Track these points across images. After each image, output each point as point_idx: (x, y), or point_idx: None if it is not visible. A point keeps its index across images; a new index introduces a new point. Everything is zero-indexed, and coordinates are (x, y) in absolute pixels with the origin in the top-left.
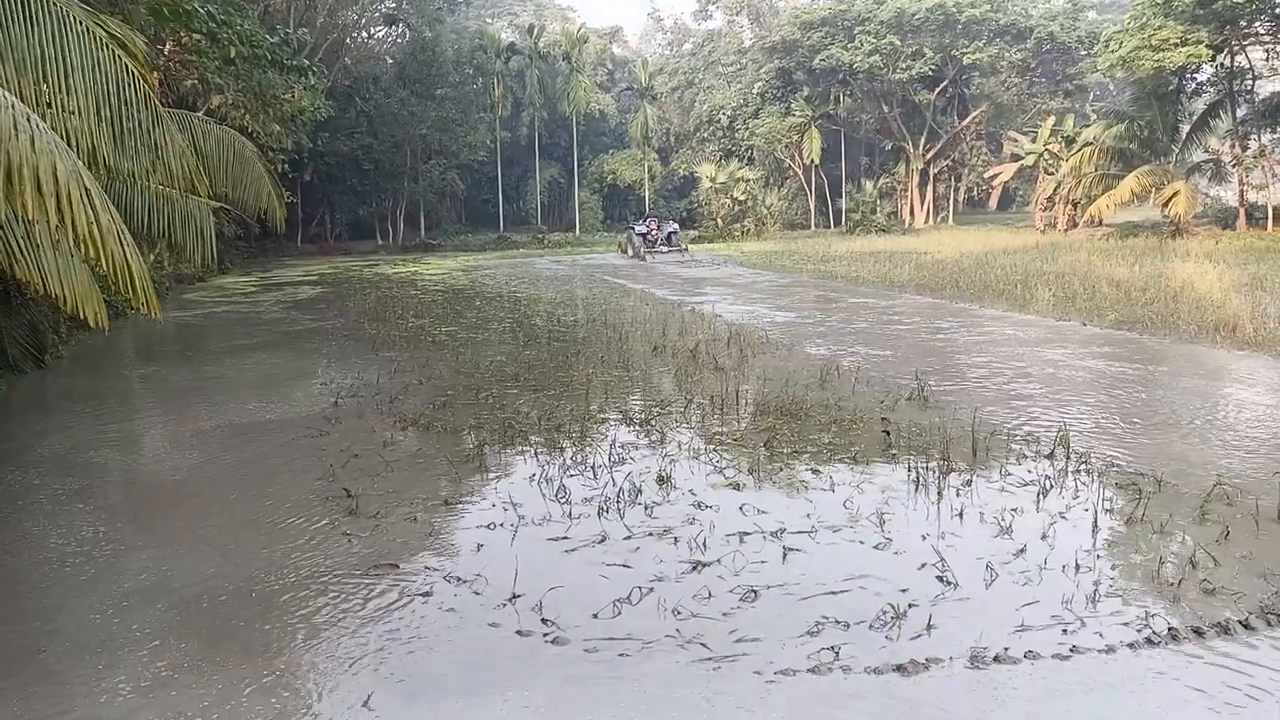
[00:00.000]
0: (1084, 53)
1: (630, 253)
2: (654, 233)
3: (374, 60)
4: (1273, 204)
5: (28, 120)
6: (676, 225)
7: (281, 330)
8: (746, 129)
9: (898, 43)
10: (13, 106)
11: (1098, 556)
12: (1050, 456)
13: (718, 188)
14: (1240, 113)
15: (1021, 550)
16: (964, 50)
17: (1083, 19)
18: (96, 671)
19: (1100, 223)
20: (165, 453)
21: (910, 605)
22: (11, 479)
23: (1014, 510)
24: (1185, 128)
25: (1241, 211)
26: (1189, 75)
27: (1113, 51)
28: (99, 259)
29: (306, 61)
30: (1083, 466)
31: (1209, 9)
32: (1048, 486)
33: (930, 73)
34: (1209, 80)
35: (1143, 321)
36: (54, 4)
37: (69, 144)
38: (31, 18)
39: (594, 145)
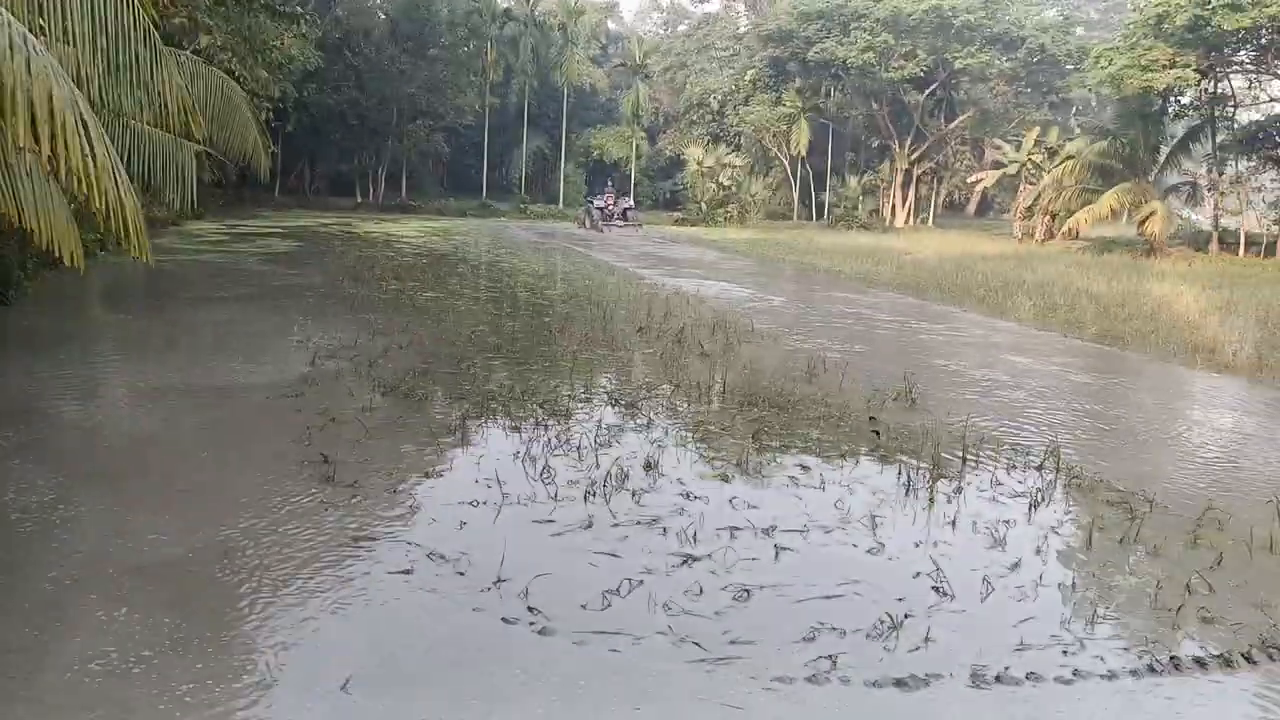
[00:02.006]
0: (1071, 67)
1: (587, 224)
2: (610, 206)
3: (367, 14)
4: (1245, 230)
5: (24, 41)
6: (632, 203)
7: (257, 284)
8: (736, 115)
9: (891, 41)
10: (9, 24)
11: (1093, 576)
12: (1040, 469)
13: (704, 171)
14: (1220, 139)
15: (1016, 565)
16: (956, 54)
17: (1073, 34)
18: (44, 644)
19: (1077, 236)
20: (131, 407)
21: (906, 615)
22: None
23: (1006, 522)
24: (1165, 149)
25: (1214, 235)
26: (1173, 97)
27: (1102, 68)
28: (91, 195)
29: (299, 8)
30: (1074, 481)
31: (1198, 34)
32: (1039, 500)
33: (921, 74)
34: (1191, 104)
35: (1123, 337)
36: None
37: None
38: None
39: (582, 119)
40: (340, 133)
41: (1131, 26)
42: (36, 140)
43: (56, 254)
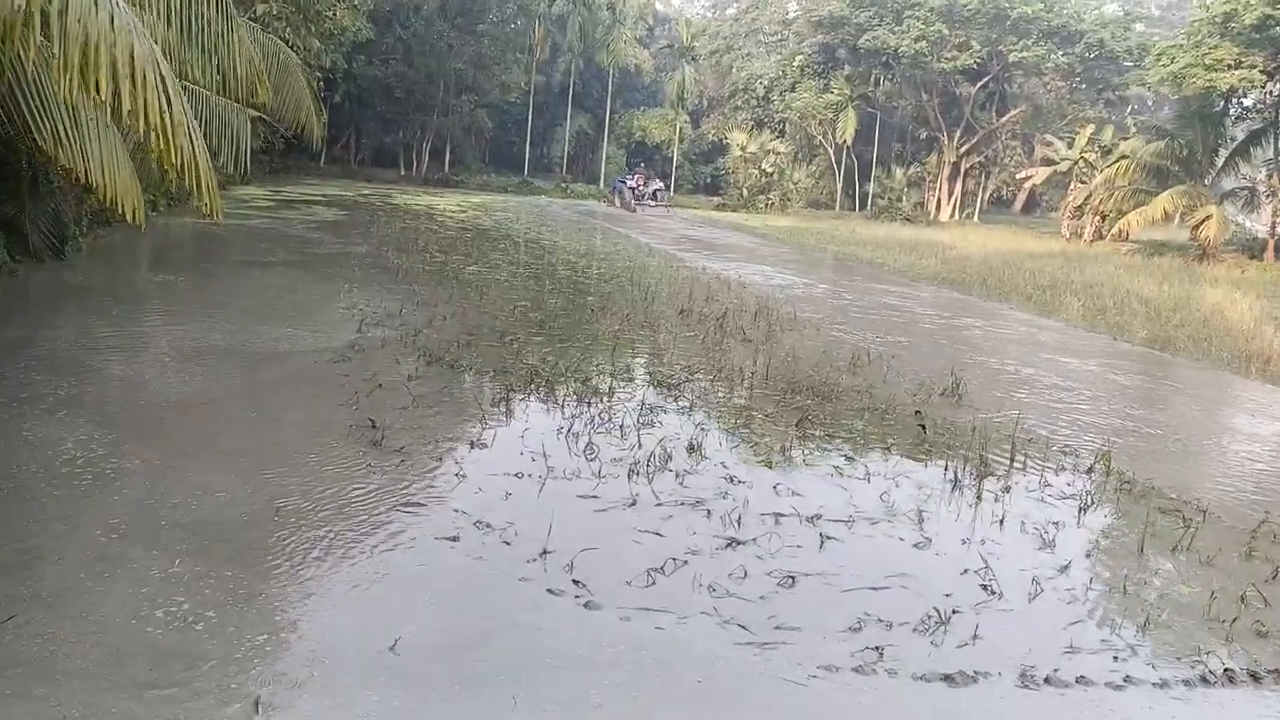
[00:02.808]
0: (1130, 64)
1: (618, 203)
2: (640, 186)
3: None
4: None
5: None
6: (661, 184)
7: (304, 250)
8: (782, 101)
9: (945, 31)
10: None
11: (1145, 583)
12: (1090, 472)
13: (746, 157)
14: None
15: (1065, 567)
16: (1011, 47)
17: (1133, 30)
18: (98, 593)
19: (1127, 237)
20: (181, 366)
21: (954, 611)
22: (15, 374)
23: (1055, 524)
24: (1224, 152)
25: (1270, 243)
26: (1236, 99)
27: (1164, 65)
28: (167, 151)
29: None
30: (1124, 486)
31: (1266, 34)
32: (1089, 503)
33: (974, 66)
34: (1255, 106)
35: (1174, 343)
36: None
37: None
38: None
39: (626, 100)
40: (386, 105)
41: (1196, 24)
42: (117, 96)
43: (119, 210)
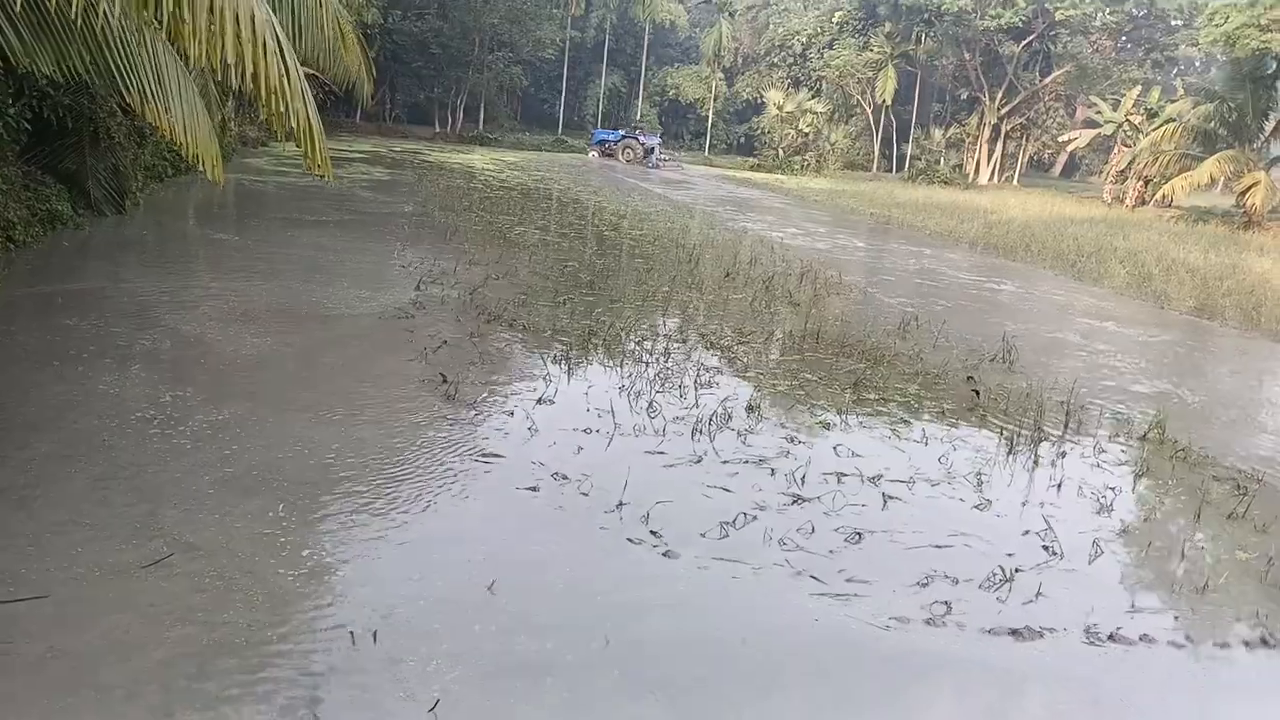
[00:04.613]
0: (1180, 23)
1: (628, 158)
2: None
3: None
4: None
5: None
6: (659, 140)
7: (352, 209)
8: (820, 59)
9: None
10: None
11: (1202, 549)
12: (1144, 439)
13: (783, 117)
14: None
15: (1124, 530)
16: (1057, 4)
17: None
18: (227, 535)
19: (1170, 203)
20: (250, 321)
21: (1017, 570)
22: (91, 326)
23: (1112, 489)
24: (1275, 116)
25: None
26: None
27: (1216, 25)
28: (285, 113)
29: None
30: (1179, 454)
31: None
32: (1144, 470)
33: (1019, 24)
34: None
35: (1222, 312)
36: None
37: None
38: None
39: (659, 56)
40: (421, 61)
41: None
42: (241, 60)
43: (199, 166)
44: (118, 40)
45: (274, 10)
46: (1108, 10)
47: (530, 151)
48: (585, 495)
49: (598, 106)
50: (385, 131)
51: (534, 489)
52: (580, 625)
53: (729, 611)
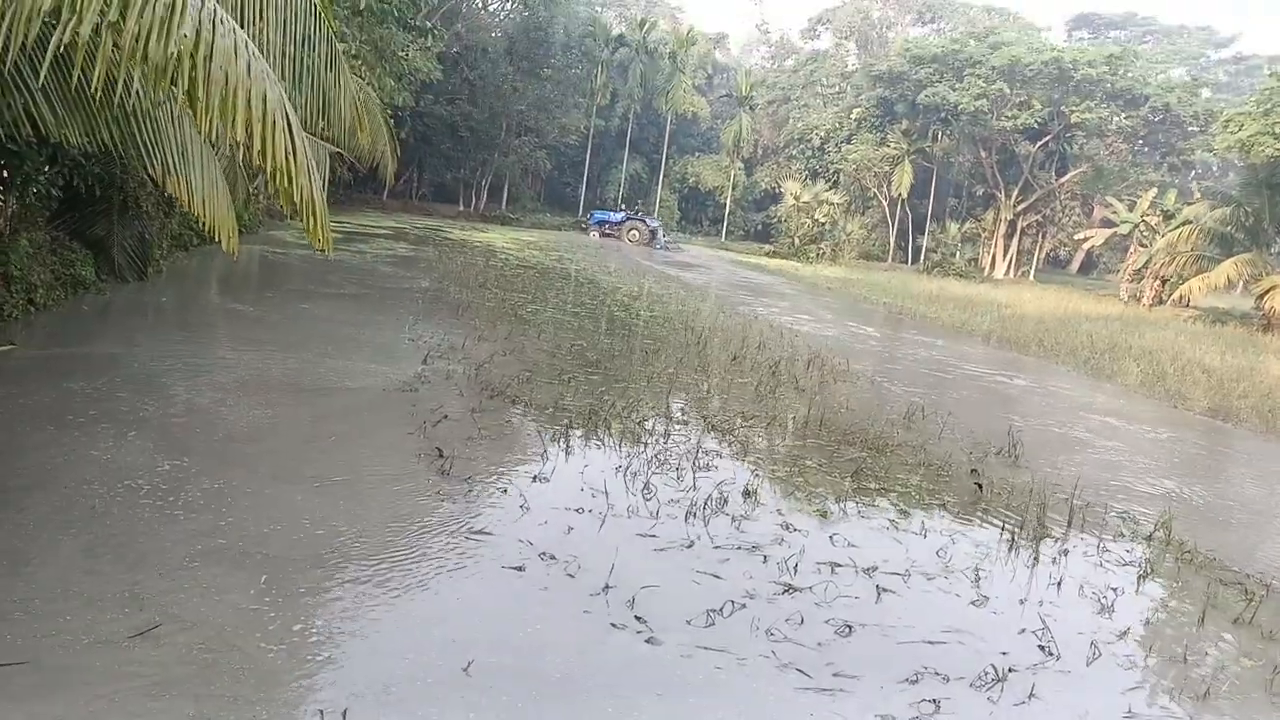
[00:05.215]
0: (1195, 129)
1: (633, 240)
2: (641, 229)
3: (485, 31)
4: None
5: (245, 47)
6: (660, 223)
7: (369, 284)
8: (838, 152)
9: (1007, 90)
10: (234, 31)
11: (1206, 654)
12: (1149, 539)
13: (800, 206)
14: None
15: (1124, 633)
16: (1073, 108)
17: (1200, 96)
18: (207, 606)
19: (1187, 304)
20: (260, 392)
21: (1010, 669)
22: (95, 390)
23: (1114, 589)
24: None
25: None
26: None
27: (1232, 133)
28: (290, 190)
29: (429, 23)
30: (1185, 556)
31: None
32: (1148, 571)
33: (1035, 125)
34: None
35: (1236, 413)
36: None
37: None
38: None
39: (681, 145)
40: (450, 142)
41: (1268, 92)
42: (250, 137)
43: (215, 237)
44: (145, 115)
45: (297, 90)
46: (1123, 115)
47: (551, 231)
48: (571, 577)
49: (619, 191)
50: (411, 209)
51: (520, 569)
52: (555, 712)
53: (709, 704)
